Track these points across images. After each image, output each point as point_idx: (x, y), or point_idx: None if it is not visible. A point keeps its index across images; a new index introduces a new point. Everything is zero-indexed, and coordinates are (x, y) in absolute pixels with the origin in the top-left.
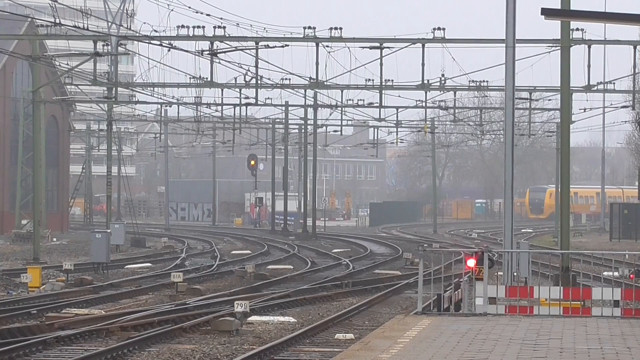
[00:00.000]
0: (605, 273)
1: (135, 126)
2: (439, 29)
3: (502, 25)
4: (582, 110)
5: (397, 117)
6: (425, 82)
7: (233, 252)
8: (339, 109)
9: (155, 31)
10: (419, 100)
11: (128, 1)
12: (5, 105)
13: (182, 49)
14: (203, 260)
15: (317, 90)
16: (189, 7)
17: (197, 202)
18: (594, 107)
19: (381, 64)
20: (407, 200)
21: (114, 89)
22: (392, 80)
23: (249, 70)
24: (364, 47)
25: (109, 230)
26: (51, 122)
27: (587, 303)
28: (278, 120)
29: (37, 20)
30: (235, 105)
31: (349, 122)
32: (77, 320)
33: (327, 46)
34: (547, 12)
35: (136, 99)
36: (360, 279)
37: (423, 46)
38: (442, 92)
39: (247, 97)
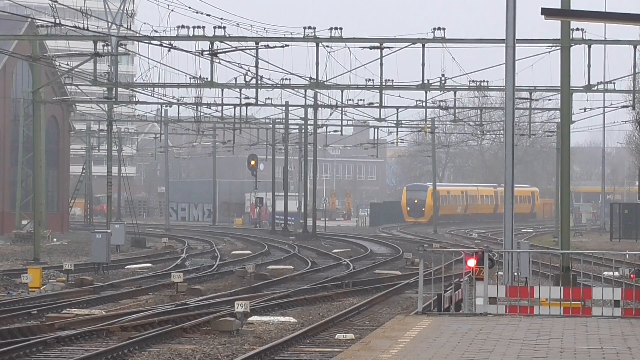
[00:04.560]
0: (605, 273)
1: (135, 126)
2: (439, 29)
3: (502, 25)
4: (582, 110)
5: (397, 117)
6: (425, 82)
7: (233, 252)
8: (339, 109)
9: (155, 31)
10: (419, 100)
11: (128, 1)
12: (5, 106)
13: (182, 49)
14: (203, 260)
15: (317, 90)
16: (189, 7)
17: (197, 202)
18: (594, 107)
19: (381, 64)
20: None
21: (114, 89)
22: (392, 80)
23: (249, 70)
24: (364, 47)
25: (109, 231)
26: (51, 123)
27: (588, 303)
28: (278, 120)
29: (37, 21)
30: (235, 105)
31: (349, 122)
32: (77, 320)
33: (327, 46)
34: (547, 12)
35: (136, 99)
36: (361, 279)
37: (423, 46)
38: (442, 92)
39: (247, 97)
